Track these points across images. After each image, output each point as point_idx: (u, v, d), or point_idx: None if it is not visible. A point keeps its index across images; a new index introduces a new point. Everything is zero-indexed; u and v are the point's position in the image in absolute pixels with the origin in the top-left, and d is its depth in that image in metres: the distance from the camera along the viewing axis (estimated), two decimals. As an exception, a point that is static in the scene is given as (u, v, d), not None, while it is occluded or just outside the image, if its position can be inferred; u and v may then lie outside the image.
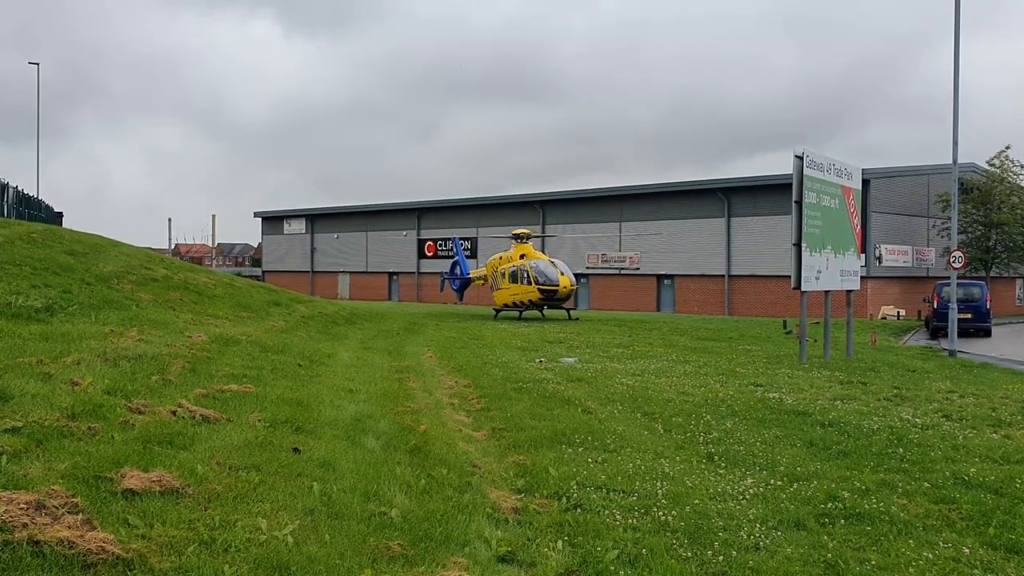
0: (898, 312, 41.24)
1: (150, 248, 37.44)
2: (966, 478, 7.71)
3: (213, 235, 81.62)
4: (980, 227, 43.91)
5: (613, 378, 14.57)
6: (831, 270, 19.70)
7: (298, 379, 11.21)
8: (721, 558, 5.57)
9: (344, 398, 10.35)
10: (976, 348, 25.53)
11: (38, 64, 51.00)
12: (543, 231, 51.38)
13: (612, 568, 5.22)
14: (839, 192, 20.22)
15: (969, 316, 29.72)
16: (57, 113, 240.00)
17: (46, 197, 43.75)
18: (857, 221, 21.45)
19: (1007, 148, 44.43)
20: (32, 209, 35.14)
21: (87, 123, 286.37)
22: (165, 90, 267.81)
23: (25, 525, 4.23)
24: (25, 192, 35.10)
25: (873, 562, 5.60)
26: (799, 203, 18.39)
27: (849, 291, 21.45)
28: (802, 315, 19.14)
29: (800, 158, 18.48)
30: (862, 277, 24.28)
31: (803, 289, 18.56)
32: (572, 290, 34.40)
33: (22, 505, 4.44)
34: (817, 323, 26.71)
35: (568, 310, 36.38)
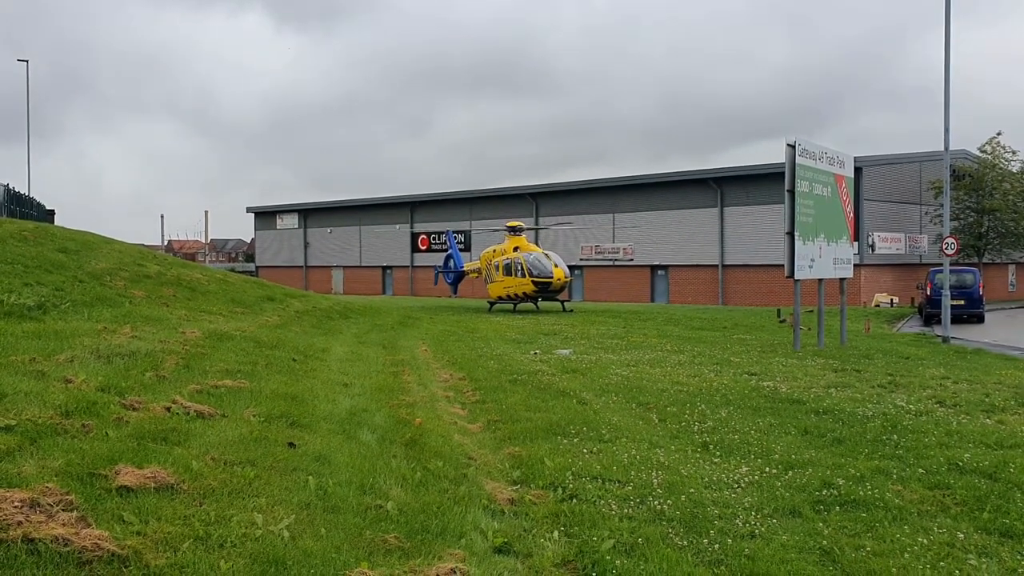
0: (891, 299, 41.33)
1: (143, 245, 37.32)
2: (960, 464, 7.74)
3: (206, 231, 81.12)
4: (972, 213, 43.99)
5: (608, 369, 14.58)
6: (824, 258, 19.73)
7: (292, 374, 11.20)
8: (717, 546, 5.59)
9: (339, 392, 10.35)
10: (969, 334, 25.60)
11: (27, 61, 50.74)
12: (536, 223, 51.35)
13: (608, 558, 5.23)
14: (832, 180, 20.23)
15: (962, 302, 29.78)
16: (48, 111, 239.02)
17: (37, 195, 43.61)
18: (850, 209, 21.48)
19: (998, 134, 44.48)
20: (23, 207, 35.02)
21: (78, 121, 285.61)
22: (156, 87, 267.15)
23: (19, 523, 4.22)
24: (16, 190, 34.97)
25: (868, 548, 5.62)
26: (792, 192, 18.39)
27: (842, 279, 21.48)
28: (796, 303, 19.17)
29: (792, 147, 18.48)
30: (855, 265, 24.34)
31: (796, 278, 18.59)
32: (566, 282, 34.44)
33: (16, 503, 4.43)
34: (811, 311, 26.80)
35: (562, 302, 36.41)
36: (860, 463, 7.78)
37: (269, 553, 4.53)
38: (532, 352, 17.67)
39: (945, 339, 21.99)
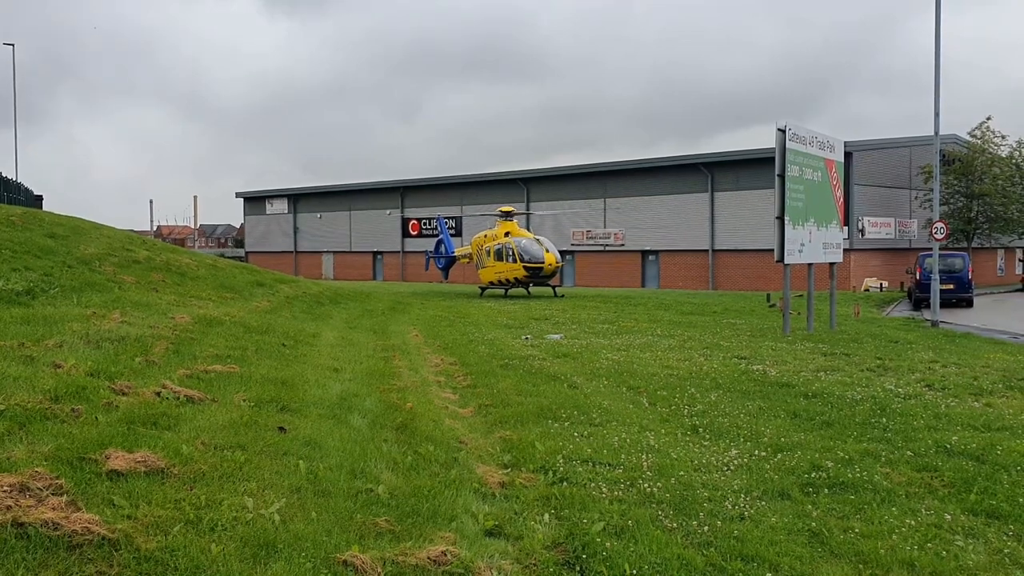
0: (881, 284, 41.49)
1: (132, 230, 37.09)
2: (948, 446, 7.80)
3: (195, 216, 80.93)
4: (962, 198, 44.10)
5: (598, 353, 14.61)
6: (814, 243, 19.77)
7: (283, 359, 11.18)
8: (706, 528, 5.62)
9: (329, 377, 10.34)
10: (958, 318, 25.74)
11: (13, 45, 50.31)
12: (527, 208, 51.27)
13: (598, 540, 5.26)
14: (822, 165, 20.26)
15: (951, 287, 29.94)
16: (36, 96, 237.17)
17: (25, 180, 43.29)
18: (840, 194, 21.51)
19: (988, 119, 44.56)
20: (11, 192, 34.72)
21: (67, 105, 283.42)
22: (144, 71, 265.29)
23: (9, 507, 4.21)
24: (3, 175, 34.69)
25: (857, 530, 5.67)
26: (782, 177, 18.40)
27: (832, 263, 21.55)
28: (785, 288, 19.21)
29: (783, 131, 18.48)
30: (845, 249, 24.41)
31: (786, 262, 18.62)
32: (557, 267, 34.39)
33: (5, 488, 4.42)
34: (800, 296, 26.85)
35: (553, 287, 36.40)
36: (849, 446, 7.83)
37: (260, 536, 4.54)
38: (523, 337, 17.68)
39: (934, 323, 22.11)
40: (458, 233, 53.90)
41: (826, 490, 6.52)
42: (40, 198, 41.08)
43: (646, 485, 6.50)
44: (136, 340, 9.95)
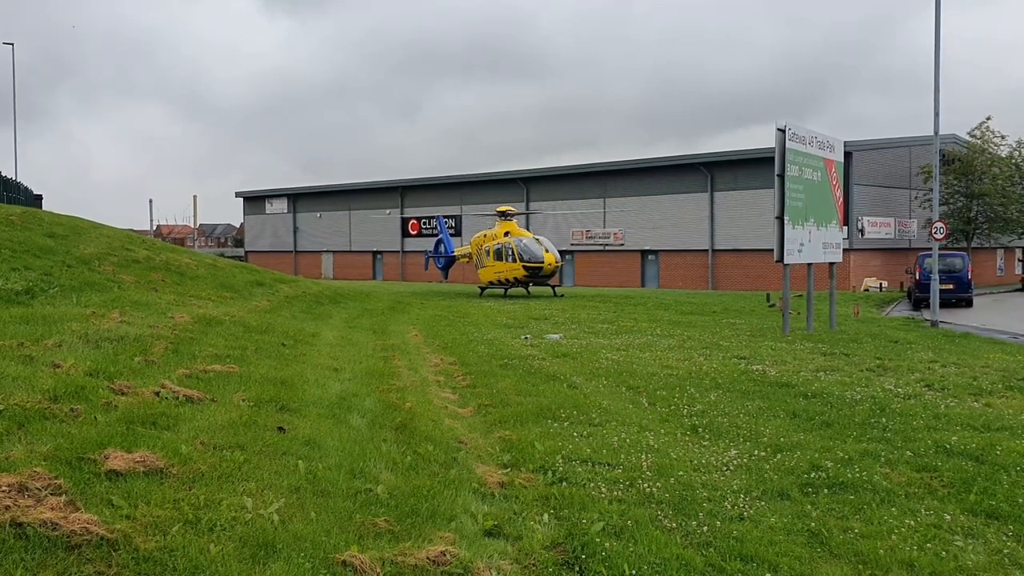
0: (880, 284, 41.48)
1: (131, 230, 37.05)
2: (948, 446, 7.79)
3: (195, 216, 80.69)
4: (961, 198, 44.11)
5: (598, 353, 14.60)
6: (814, 243, 19.77)
7: (282, 359, 11.17)
8: (706, 528, 5.61)
9: (329, 377, 10.33)
10: (958, 318, 25.74)
11: (12, 44, 50.31)
12: (527, 208, 51.26)
13: (598, 540, 5.25)
14: (821, 165, 20.25)
15: (951, 287, 29.96)
16: (35, 95, 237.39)
17: (25, 180, 43.23)
18: (839, 193, 21.51)
19: (988, 119, 44.60)
20: (11, 192, 34.70)
21: (65, 105, 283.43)
22: (144, 71, 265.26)
23: (7, 507, 4.20)
24: (3, 175, 34.66)
25: (856, 530, 5.66)
26: (782, 176, 18.39)
27: (832, 263, 21.55)
28: (785, 288, 19.21)
29: (782, 131, 18.47)
30: (844, 249, 24.40)
31: (786, 262, 18.62)
32: (557, 267, 34.38)
33: (4, 487, 4.41)
34: (800, 296, 26.85)
35: (553, 287, 36.40)
36: (848, 446, 7.83)
37: (259, 536, 4.53)
38: (523, 337, 17.68)
39: (934, 323, 22.10)
40: (458, 233, 53.88)
41: (825, 490, 6.52)
42: (40, 197, 41.05)
43: (645, 485, 6.50)
44: (135, 340, 9.94)
